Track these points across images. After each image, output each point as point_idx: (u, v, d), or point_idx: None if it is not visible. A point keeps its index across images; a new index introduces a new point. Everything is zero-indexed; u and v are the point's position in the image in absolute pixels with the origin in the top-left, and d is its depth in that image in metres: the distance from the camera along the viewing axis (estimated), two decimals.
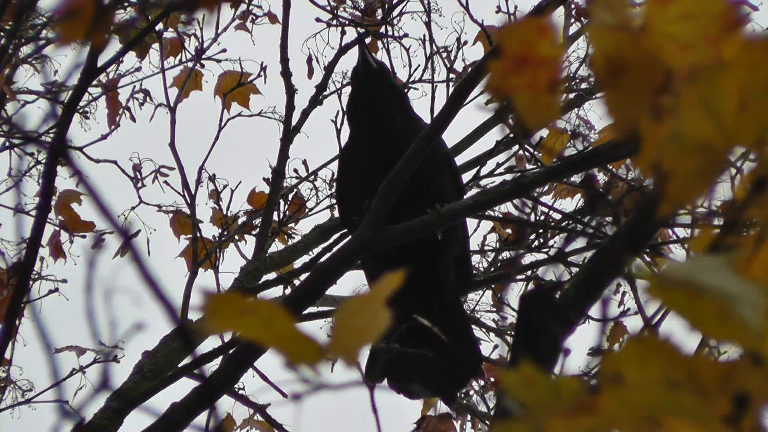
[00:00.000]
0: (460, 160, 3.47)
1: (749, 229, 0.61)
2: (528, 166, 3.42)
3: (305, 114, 3.40)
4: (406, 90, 3.69)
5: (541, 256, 2.95)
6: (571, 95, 3.75)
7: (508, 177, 2.75)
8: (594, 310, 1.04)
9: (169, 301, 0.68)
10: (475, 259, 3.30)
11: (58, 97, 3.41)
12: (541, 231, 2.90)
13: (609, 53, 0.59)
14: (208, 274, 3.40)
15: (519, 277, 3.06)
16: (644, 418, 0.56)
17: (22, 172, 3.77)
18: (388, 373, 2.27)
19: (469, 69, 3.45)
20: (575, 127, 3.69)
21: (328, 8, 3.63)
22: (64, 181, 3.65)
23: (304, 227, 3.82)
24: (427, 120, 3.10)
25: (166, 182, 3.68)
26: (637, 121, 0.59)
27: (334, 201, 3.67)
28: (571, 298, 1.01)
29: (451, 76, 3.59)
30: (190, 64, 3.78)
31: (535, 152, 2.96)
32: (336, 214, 3.50)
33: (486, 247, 3.36)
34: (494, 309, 3.44)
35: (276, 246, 3.54)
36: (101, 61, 1.71)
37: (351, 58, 3.54)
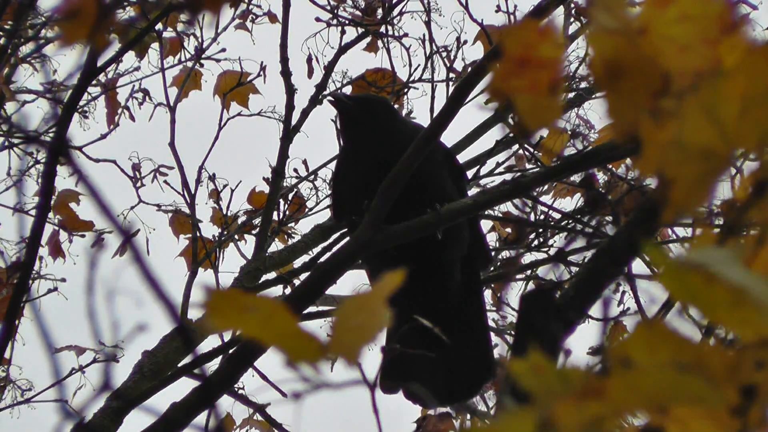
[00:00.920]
0: (460, 159, 3.47)
1: (749, 230, 0.61)
2: (528, 166, 3.42)
3: (305, 114, 3.40)
4: (406, 90, 3.70)
5: (541, 256, 2.96)
6: (571, 95, 3.75)
7: (508, 176, 2.75)
8: (594, 310, 1.04)
9: (169, 301, 0.68)
10: None
11: (58, 97, 3.41)
12: (540, 230, 2.90)
13: (608, 56, 0.59)
14: (208, 274, 3.40)
15: (519, 276, 3.07)
16: (652, 403, 0.56)
17: (22, 172, 3.77)
18: (395, 377, 2.24)
19: (469, 69, 3.46)
20: (575, 127, 3.69)
21: (328, 8, 3.63)
22: (63, 180, 3.65)
23: (304, 227, 3.82)
24: (427, 120, 3.10)
25: (165, 182, 3.68)
26: (636, 123, 0.60)
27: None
28: (571, 298, 1.01)
29: (451, 75, 3.59)
30: (189, 64, 3.78)
31: (535, 152, 2.96)
32: None
33: None
34: (494, 308, 3.44)
35: (276, 246, 3.54)
36: (101, 61, 1.71)
37: (351, 58, 3.54)
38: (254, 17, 3.91)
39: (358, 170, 2.25)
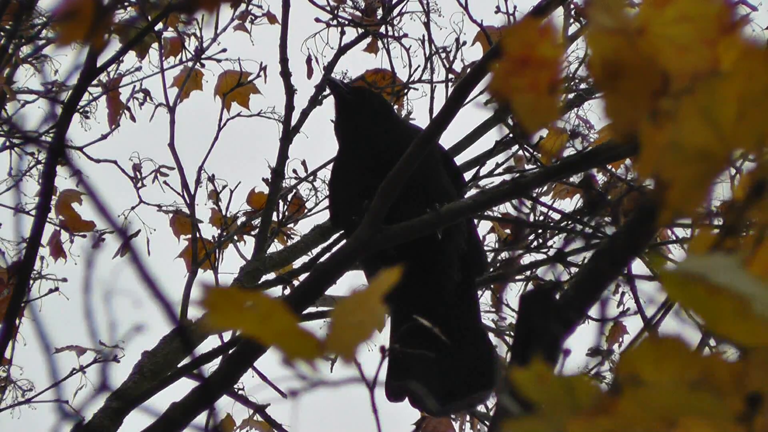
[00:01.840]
0: (460, 160, 3.47)
1: (748, 230, 0.61)
2: (527, 166, 3.42)
3: (305, 114, 3.40)
4: (405, 91, 3.70)
5: (540, 256, 2.96)
6: (571, 95, 3.75)
7: (508, 177, 2.75)
8: (594, 310, 1.04)
9: (167, 301, 0.68)
10: None
11: (58, 97, 3.41)
12: (540, 231, 2.90)
13: (607, 56, 0.59)
14: (208, 275, 3.40)
15: (518, 277, 3.06)
16: (662, 419, 0.56)
17: (22, 172, 3.77)
18: (398, 377, 2.23)
19: (469, 69, 3.46)
20: (575, 127, 3.69)
21: (328, 8, 3.63)
22: (64, 180, 3.66)
23: (303, 227, 3.83)
24: (426, 121, 3.10)
25: (165, 182, 3.68)
26: (635, 123, 0.59)
27: None
28: (571, 299, 1.01)
29: (451, 76, 3.59)
30: (190, 64, 3.78)
31: (535, 152, 2.96)
32: None
33: (486, 248, 3.36)
34: (493, 309, 3.44)
35: (275, 246, 3.54)
36: (101, 61, 1.71)
37: (351, 59, 3.54)
38: (253, 18, 3.91)
39: (355, 168, 2.25)
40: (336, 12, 3.62)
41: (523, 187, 1.88)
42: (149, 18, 2.62)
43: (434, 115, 2.70)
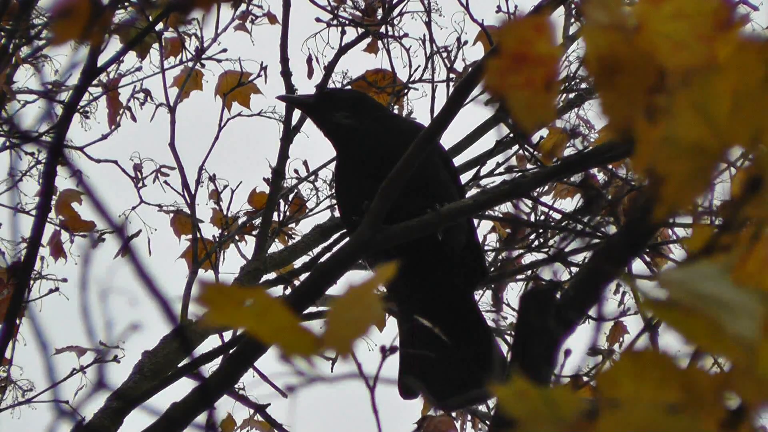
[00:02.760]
0: (460, 160, 3.47)
1: (744, 227, 0.61)
2: (528, 166, 3.42)
3: (305, 114, 3.40)
4: (406, 91, 3.70)
5: (540, 256, 2.95)
6: (571, 95, 3.75)
7: (508, 177, 2.75)
8: (594, 310, 1.03)
9: (165, 300, 0.68)
10: None
11: (58, 96, 3.41)
12: (540, 231, 2.89)
13: (603, 52, 0.59)
14: (209, 275, 3.40)
15: (519, 277, 3.06)
16: None
17: (22, 172, 3.77)
18: (409, 373, 2.23)
19: (470, 69, 3.45)
20: (575, 127, 3.69)
21: (328, 8, 3.63)
22: (64, 180, 3.66)
23: (304, 227, 3.82)
24: (427, 121, 3.09)
25: (166, 182, 3.68)
26: (631, 120, 0.59)
27: (334, 201, 3.68)
28: (571, 298, 1.01)
29: (451, 76, 3.59)
30: (190, 64, 3.78)
31: (535, 152, 2.96)
32: (336, 214, 3.50)
33: (486, 247, 3.36)
34: (494, 309, 3.44)
35: (276, 246, 3.54)
36: (101, 61, 1.71)
37: (351, 59, 3.54)
38: (254, 18, 3.91)
39: (352, 167, 2.25)
40: (336, 12, 3.62)
41: (523, 187, 1.88)
42: (149, 18, 2.62)
43: (435, 115, 2.70)
